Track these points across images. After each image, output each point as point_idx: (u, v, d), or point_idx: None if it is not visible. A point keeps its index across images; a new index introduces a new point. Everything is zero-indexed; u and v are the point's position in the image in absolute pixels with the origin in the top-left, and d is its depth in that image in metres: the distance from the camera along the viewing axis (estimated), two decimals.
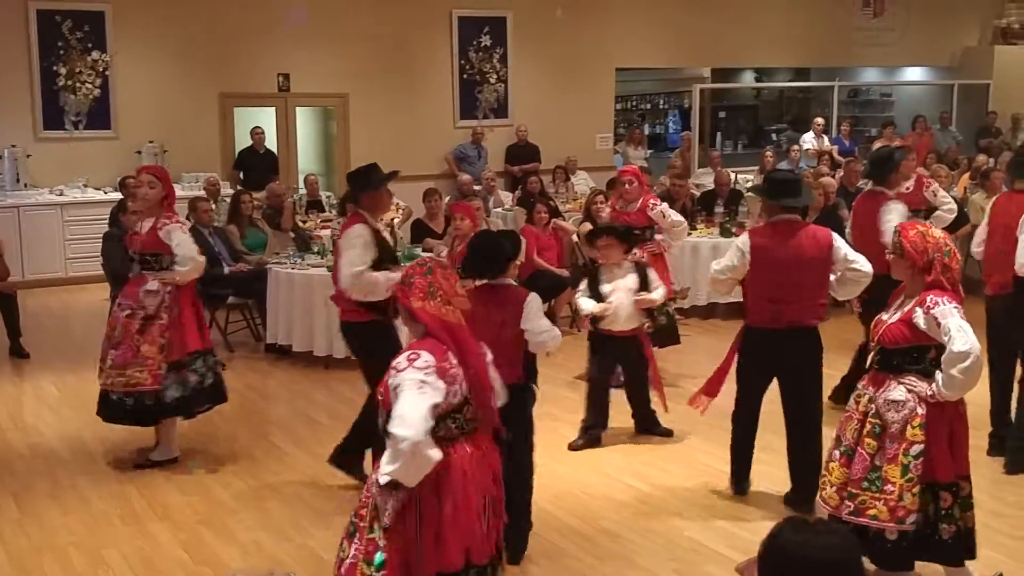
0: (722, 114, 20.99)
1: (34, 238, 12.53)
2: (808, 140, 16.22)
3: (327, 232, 9.88)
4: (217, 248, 9.71)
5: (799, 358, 5.62)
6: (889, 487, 4.36)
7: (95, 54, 13.28)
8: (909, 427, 4.37)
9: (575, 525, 5.60)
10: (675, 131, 20.99)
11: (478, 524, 3.64)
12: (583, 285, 6.91)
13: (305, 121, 15.69)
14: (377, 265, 5.76)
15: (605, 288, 6.75)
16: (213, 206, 10.44)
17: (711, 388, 5.89)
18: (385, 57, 15.00)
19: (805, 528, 2.41)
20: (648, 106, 22.13)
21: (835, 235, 5.66)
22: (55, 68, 13.09)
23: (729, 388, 5.89)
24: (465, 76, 15.76)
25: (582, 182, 14.72)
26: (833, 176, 11.90)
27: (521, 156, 15.69)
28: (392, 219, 11.02)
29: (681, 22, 16.94)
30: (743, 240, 5.71)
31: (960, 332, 4.24)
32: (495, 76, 15.94)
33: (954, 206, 8.42)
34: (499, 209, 12.95)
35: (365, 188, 5.92)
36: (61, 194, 12.96)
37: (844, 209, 10.24)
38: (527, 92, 16.10)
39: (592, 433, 6.83)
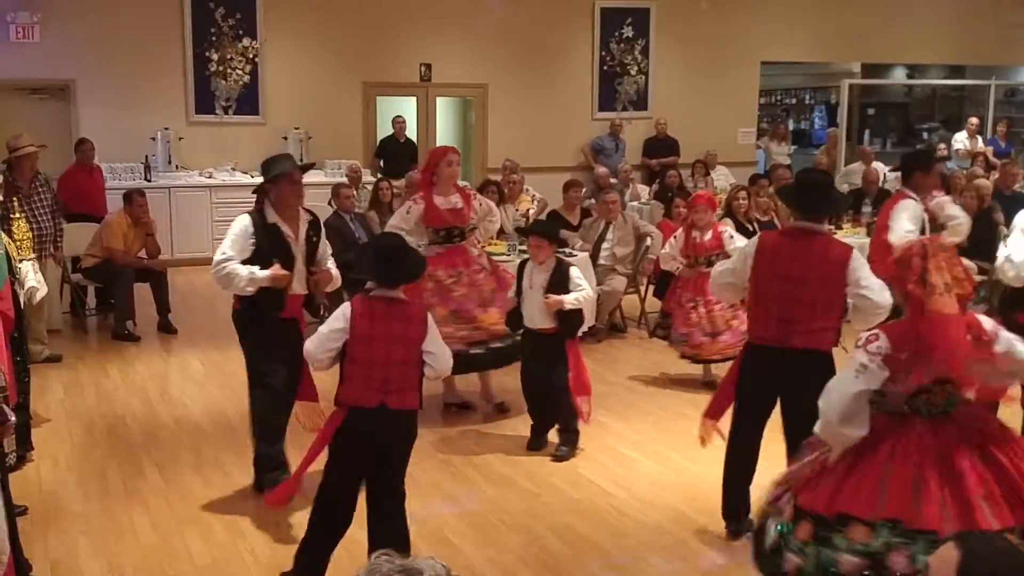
0: (871, 111, 20.34)
1: (184, 218, 12.95)
2: (961, 140, 15.62)
3: None
4: (357, 234, 9.84)
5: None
6: None
7: (246, 41, 13.63)
8: None
9: (705, 524, 5.50)
10: (820, 127, 20.44)
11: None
12: None
13: (445, 111, 15.83)
14: (263, 262, 5.51)
15: (524, 283, 6.58)
16: (354, 193, 10.59)
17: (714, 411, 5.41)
18: (525, 48, 15.01)
19: (985, 542, 2.27)
20: (793, 101, 21.61)
21: (856, 254, 4.98)
22: (207, 54, 13.49)
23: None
24: (605, 67, 15.66)
25: (722, 177, 14.46)
26: (987, 178, 11.43)
27: (660, 149, 15.51)
28: (527, 209, 11.04)
29: (830, 15, 16.49)
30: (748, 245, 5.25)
31: None
32: (636, 68, 15.79)
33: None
34: (635, 203, 12.82)
35: (264, 178, 5.67)
36: (210, 176, 13.36)
37: (999, 213, 9.83)
38: (668, 84, 15.91)
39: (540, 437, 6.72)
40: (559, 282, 6.43)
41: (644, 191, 13.74)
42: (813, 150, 17.85)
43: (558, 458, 6.48)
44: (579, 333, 6.69)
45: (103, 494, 5.92)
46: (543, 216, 11.08)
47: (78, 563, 5.06)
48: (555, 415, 6.65)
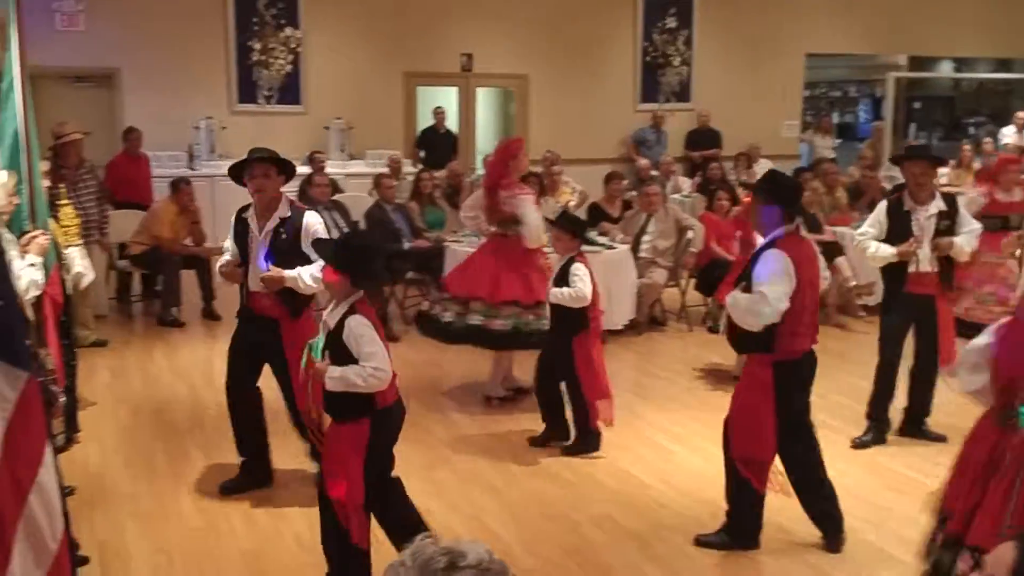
0: (917, 104, 20.16)
1: (227, 207, 12.84)
2: (1008, 134, 15.41)
3: None
4: (398, 224, 9.90)
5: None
6: None
7: (288, 31, 13.67)
8: None
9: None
10: (865, 121, 20.28)
11: None
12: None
13: (485, 102, 15.83)
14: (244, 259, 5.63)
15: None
16: (395, 183, 10.64)
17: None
18: (567, 38, 14.98)
19: None
20: (838, 94, 21.44)
21: None
22: (250, 43, 13.54)
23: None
24: (648, 58, 15.59)
25: (765, 171, 14.36)
26: None
27: (702, 141, 15.43)
28: (567, 202, 11.02)
29: (877, 7, 16.33)
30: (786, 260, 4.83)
31: None
32: (679, 59, 15.70)
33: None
34: (677, 196, 12.77)
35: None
36: None
37: None
38: (711, 76, 15.83)
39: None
40: (562, 276, 6.42)
41: (686, 183, 13.67)
42: (858, 144, 17.70)
43: (566, 452, 6.48)
44: (583, 333, 6.42)
45: (149, 476, 6.01)
46: (583, 208, 11.07)
47: (125, 544, 5.14)
48: (572, 412, 6.59)
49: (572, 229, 6.56)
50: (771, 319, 4.80)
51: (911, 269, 6.34)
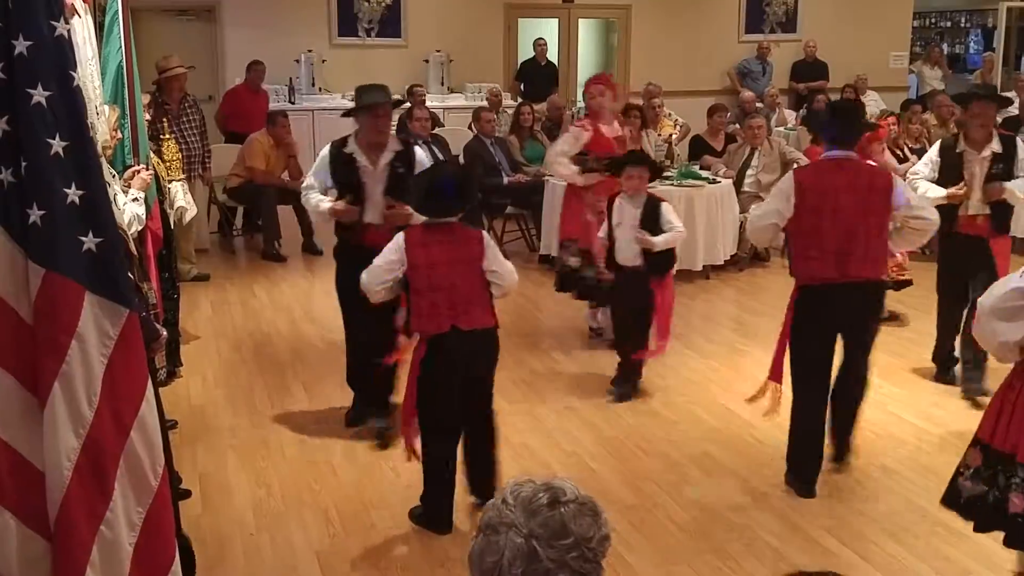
0: None
1: (326, 140, 12.83)
2: None
3: None
4: (497, 158, 9.83)
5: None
6: None
7: None
8: None
9: (852, 462, 5.32)
10: (975, 52, 19.42)
11: None
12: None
13: (587, 33, 15.56)
14: (341, 190, 5.55)
15: (613, 220, 6.24)
16: (495, 117, 10.53)
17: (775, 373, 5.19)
18: None
19: None
20: (948, 24, 20.57)
21: (896, 178, 5.01)
22: None
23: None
24: None
25: (872, 103, 13.89)
26: None
27: (808, 73, 14.98)
28: (670, 135, 10.81)
29: None
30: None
31: None
32: None
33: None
34: (781, 128, 12.46)
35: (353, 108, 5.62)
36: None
37: None
38: (818, 5, 15.32)
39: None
40: (652, 218, 6.12)
41: (791, 116, 13.34)
42: (967, 75, 16.98)
43: (617, 399, 6.25)
44: (671, 272, 6.27)
45: (251, 410, 6.09)
46: (685, 142, 10.86)
47: (226, 476, 5.23)
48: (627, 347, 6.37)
49: (651, 164, 6.38)
50: (753, 234, 5.37)
51: (960, 212, 6.12)
